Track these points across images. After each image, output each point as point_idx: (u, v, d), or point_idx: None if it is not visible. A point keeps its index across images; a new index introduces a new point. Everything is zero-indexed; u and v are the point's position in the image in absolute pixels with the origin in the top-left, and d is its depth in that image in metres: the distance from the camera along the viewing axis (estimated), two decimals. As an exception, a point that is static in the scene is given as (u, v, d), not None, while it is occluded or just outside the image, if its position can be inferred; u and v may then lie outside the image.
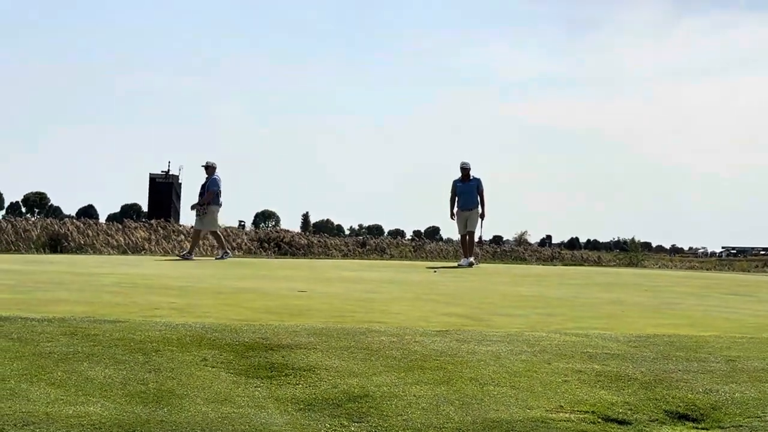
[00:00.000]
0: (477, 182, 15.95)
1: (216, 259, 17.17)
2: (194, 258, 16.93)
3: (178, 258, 17.22)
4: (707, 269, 32.60)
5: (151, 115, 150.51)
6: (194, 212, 17.24)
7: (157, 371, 4.07)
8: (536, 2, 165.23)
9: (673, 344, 5.35)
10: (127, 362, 4.20)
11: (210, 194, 16.85)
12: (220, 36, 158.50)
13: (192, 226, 20.59)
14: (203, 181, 17.13)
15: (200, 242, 20.70)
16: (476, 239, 16.36)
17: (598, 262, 35.55)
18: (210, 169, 17.13)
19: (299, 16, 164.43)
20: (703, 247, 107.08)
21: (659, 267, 33.27)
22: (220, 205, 17.29)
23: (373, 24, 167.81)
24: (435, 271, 14.18)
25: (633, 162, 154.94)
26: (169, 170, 44.69)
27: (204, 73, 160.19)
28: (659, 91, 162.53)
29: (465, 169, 15.99)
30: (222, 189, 17.29)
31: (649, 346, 5.26)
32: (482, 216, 15.97)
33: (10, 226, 25.69)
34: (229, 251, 17.62)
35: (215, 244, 19.21)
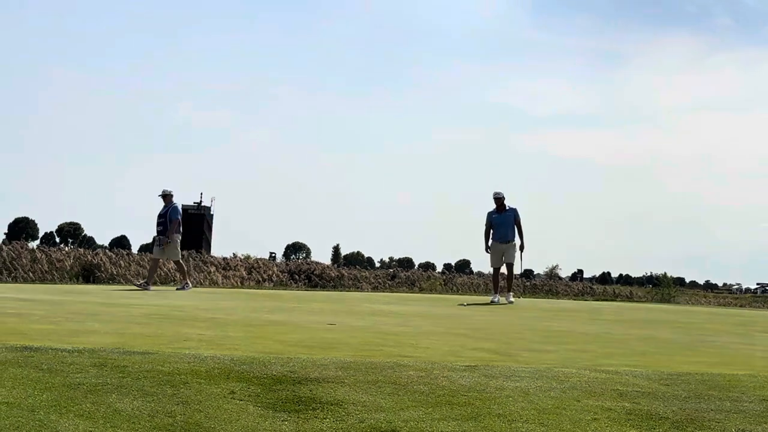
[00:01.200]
0: (513, 212, 15.26)
1: (177, 289, 16.68)
2: (152, 288, 16.40)
3: (179, 288, 16.88)
4: (741, 306, 32.21)
5: (185, 146, 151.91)
6: (157, 243, 16.93)
7: (185, 404, 4.07)
8: (563, 36, 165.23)
9: (706, 383, 5.28)
10: (155, 394, 4.20)
11: (175, 223, 16.55)
12: (254, 67, 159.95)
13: (150, 256, 20.29)
14: (161, 209, 16.80)
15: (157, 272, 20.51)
16: (515, 273, 15.93)
17: (630, 298, 35.28)
18: (168, 197, 16.84)
19: (330, 49, 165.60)
20: (738, 284, 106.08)
21: (692, 303, 32.95)
22: (180, 233, 16.94)
23: (400, 60, 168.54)
24: (465, 305, 14.12)
25: (665, 197, 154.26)
26: (201, 201, 45.02)
27: (237, 105, 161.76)
28: (690, 126, 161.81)
29: (499, 199, 15.33)
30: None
31: (681, 384, 5.19)
32: (522, 248, 15.26)
33: (44, 256, 25.94)
34: (189, 282, 17.14)
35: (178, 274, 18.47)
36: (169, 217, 16.55)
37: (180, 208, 16.98)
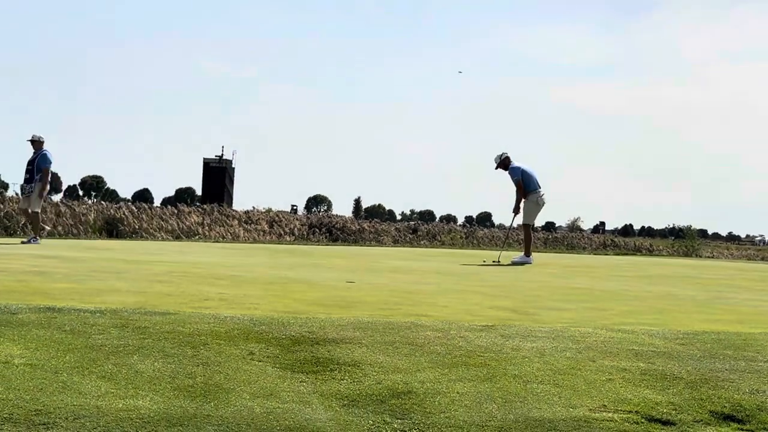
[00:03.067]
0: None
1: (22, 242, 15.39)
2: (40, 241, 15.45)
3: (25, 242, 15.49)
4: (764, 258, 32.08)
5: (206, 101, 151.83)
6: (23, 192, 15.82)
7: (205, 365, 4.14)
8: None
9: (721, 342, 5.31)
10: (175, 355, 4.28)
11: (46, 172, 15.42)
12: (273, 20, 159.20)
13: (19, 207, 18.29)
14: (31, 156, 15.52)
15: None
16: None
17: (651, 251, 35.21)
18: (37, 143, 15.62)
19: (349, 2, 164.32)
20: (761, 235, 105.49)
21: (715, 256, 32.86)
22: (48, 183, 15.78)
23: (420, 10, 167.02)
24: (485, 262, 14.16)
25: (688, 148, 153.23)
26: (222, 155, 45.19)
27: (257, 59, 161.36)
28: (713, 76, 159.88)
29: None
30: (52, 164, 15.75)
31: (696, 343, 5.22)
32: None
33: (68, 210, 26.18)
34: (38, 237, 15.66)
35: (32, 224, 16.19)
36: (37, 165, 15.47)
37: (50, 156, 15.63)
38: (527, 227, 14.77)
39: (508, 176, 14.57)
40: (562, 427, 3.56)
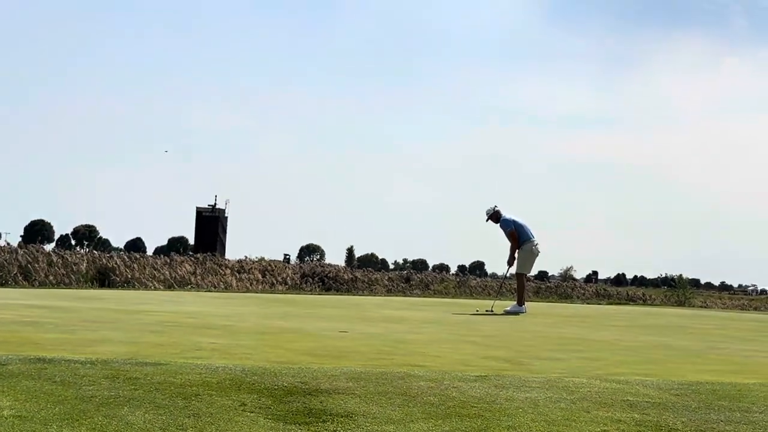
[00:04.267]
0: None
1: None
2: None
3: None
4: (756, 308, 32.07)
5: (199, 150, 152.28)
6: None
7: (197, 416, 4.10)
8: (576, 36, 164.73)
9: (716, 392, 5.28)
10: (166, 407, 4.24)
11: None
12: (266, 71, 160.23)
13: None
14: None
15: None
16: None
17: (644, 300, 35.18)
18: None
19: (342, 53, 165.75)
20: (753, 285, 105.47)
21: (707, 306, 32.84)
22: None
23: (413, 61, 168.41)
24: (477, 311, 14.12)
25: (680, 198, 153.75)
26: (215, 204, 45.22)
27: (250, 108, 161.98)
28: (704, 128, 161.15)
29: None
30: None
31: (691, 394, 5.20)
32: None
33: (60, 259, 26.09)
34: None
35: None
36: None
37: None
38: (521, 276, 14.74)
39: (500, 229, 14.60)
40: (556, 480, 3.52)
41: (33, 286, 15.75)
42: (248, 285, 29.49)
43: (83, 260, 26.73)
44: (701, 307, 29.91)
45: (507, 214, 14.70)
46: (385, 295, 26.38)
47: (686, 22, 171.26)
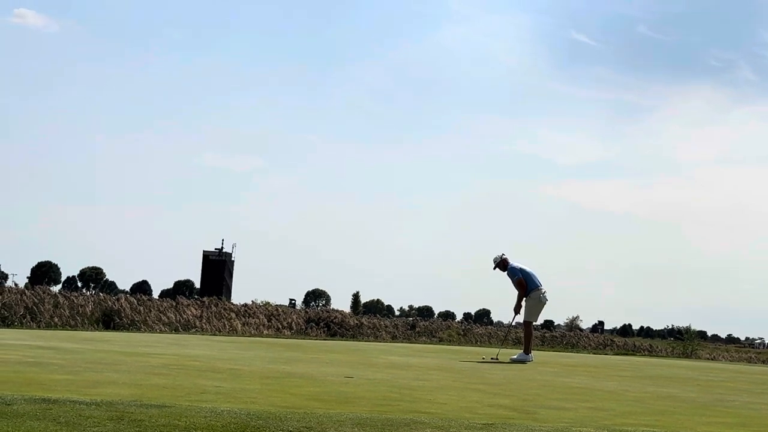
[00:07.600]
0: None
1: None
2: None
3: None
4: (764, 361, 31.86)
5: (207, 193, 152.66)
6: None
7: (201, 460, 4.09)
8: (583, 88, 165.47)
9: (724, 445, 5.24)
10: (171, 449, 4.23)
11: None
12: (275, 116, 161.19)
13: None
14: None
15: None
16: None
17: (651, 351, 34.98)
18: None
19: (352, 99, 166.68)
20: (761, 338, 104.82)
21: (714, 358, 32.62)
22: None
23: (422, 109, 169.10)
24: (483, 359, 14.06)
25: (686, 250, 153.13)
26: (222, 248, 45.19)
27: (257, 152, 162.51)
28: (713, 179, 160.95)
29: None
30: None
31: (699, 446, 5.16)
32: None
33: (66, 301, 26.07)
34: None
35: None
36: None
37: None
38: (529, 325, 14.65)
39: (507, 277, 14.59)
40: None
41: (39, 327, 15.70)
42: (254, 329, 29.39)
43: (89, 302, 26.70)
44: (708, 359, 29.71)
45: (514, 262, 14.71)
46: (390, 342, 26.28)
47: (694, 74, 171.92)
